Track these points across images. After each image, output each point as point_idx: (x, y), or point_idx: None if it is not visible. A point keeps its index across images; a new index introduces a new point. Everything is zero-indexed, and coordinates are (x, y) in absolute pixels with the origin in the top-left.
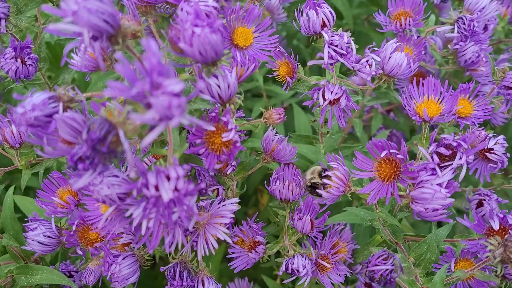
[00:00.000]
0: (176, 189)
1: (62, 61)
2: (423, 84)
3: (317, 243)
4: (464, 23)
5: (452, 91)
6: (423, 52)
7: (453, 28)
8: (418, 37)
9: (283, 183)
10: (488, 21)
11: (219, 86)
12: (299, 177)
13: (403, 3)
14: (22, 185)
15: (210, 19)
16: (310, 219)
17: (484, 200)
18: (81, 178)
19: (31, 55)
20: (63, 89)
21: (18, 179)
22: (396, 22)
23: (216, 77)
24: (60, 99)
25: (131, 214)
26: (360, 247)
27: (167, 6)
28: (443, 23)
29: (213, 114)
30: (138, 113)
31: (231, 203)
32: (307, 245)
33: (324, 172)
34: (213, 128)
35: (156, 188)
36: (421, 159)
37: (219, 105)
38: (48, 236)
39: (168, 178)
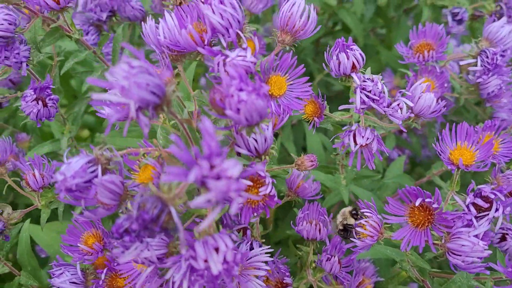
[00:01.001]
0: (225, 261)
1: (106, 131)
2: (455, 130)
3: (344, 284)
4: (487, 57)
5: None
6: (445, 85)
7: (476, 61)
8: (440, 70)
9: (310, 223)
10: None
11: (256, 141)
12: (325, 215)
13: (425, 34)
14: (42, 224)
15: (256, 83)
16: (338, 260)
17: (507, 234)
18: (127, 250)
19: (52, 96)
20: (100, 149)
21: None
22: (418, 55)
23: (254, 132)
24: (98, 161)
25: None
26: (384, 280)
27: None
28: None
29: (250, 168)
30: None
31: (264, 253)
32: (330, 279)
33: (355, 212)
34: (250, 183)
35: (205, 260)
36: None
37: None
38: (74, 283)
39: (217, 250)
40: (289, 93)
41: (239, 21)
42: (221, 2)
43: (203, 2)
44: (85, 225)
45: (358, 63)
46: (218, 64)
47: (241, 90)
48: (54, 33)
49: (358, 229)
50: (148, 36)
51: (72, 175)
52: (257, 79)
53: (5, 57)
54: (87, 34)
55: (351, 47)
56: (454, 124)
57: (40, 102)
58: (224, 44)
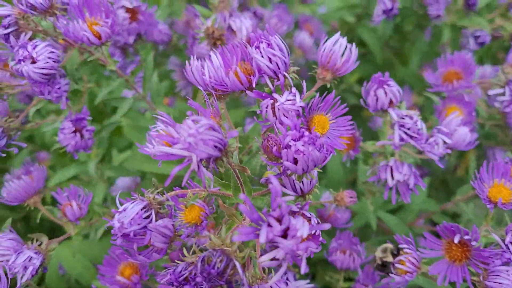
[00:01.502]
0: None
1: (166, 181)
2: (492, 167)
3: None
4: None
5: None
6: (473, 113)
7: (504, 91)
8: (468, 99)
9: (344, 253)
10: None
11: (302, 183)
12: (357, 245)
13: (453, 63)
14: (74, 253)
15: (312, 135)
16: None
17: None
18: None
19: (89, 128)
20: (151, 193)
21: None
22: (447, 84)
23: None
24: (151, 206)
25: None
26: None
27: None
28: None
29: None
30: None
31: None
32: None
33: (397, 252)
34: None
35: None
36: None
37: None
38: None
39: None
40: (332, 132)
41: (285, 63)
42: (270, 46)
43: (248, 43)
44: (122, 256)
45: (395, 99)
46: (266, 107)
47: (297, 140)
48: (88, 63)
49: (397, 265)
50: (191, 75)
51: (130, 222)
52: (315, 134)
53: (48, 92)
54: (113, 56)
55: (388, 83)
56: (489, 161)
57: (77, 134)
58: (270, 86)
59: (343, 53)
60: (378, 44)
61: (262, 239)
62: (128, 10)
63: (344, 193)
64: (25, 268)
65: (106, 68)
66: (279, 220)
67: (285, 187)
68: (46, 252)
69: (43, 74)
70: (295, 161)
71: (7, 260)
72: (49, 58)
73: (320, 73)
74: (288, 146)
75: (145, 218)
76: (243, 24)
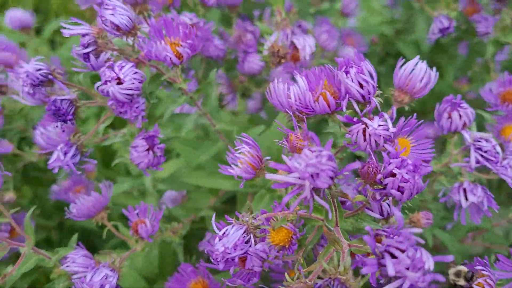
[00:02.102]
0: None
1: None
2: None
3: None
4: None
5: None
6: None
7: None
8: None
9: None
10: None
11: (389, 205)
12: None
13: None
14: (138, 269)
15: (415, 163)
16: None
17: None
18: None
19: (160, 145)
20: (247, 216)
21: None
22: (507, 104)
23: None
24: (250, 230)
25: None
26: None
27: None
28: None
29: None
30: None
31: None
32: None
33: (471, 277)
34: None
35: None
36: None
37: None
38: None
39: None
40: (413, 156)
41: (374, 88)
42: (360, 71)
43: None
44: (192, 274)
45: (469, 121)
46: (357, 132)
47: (400, 168)
48: (156, 80)
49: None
50: (275, 97)
51: (233, 247)
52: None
53: (125, 111)
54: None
55: (461, 105)
56: None
57: (151, 152)
58: (357, 110)
59: (422, 78)
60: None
61: (391, 272)
62: None
63: (420, 214)
64: (102, 286)
65: (173, 85)
66: (402, 250)
67: (371, 210)
68: (119, 269)
69: (127, 94)
70: (399, 188)
71: (84, 277)
72: (135, 79)
73: (398, 96)
74: (392, 174)
75: (245, 242)
76: (306, 42)
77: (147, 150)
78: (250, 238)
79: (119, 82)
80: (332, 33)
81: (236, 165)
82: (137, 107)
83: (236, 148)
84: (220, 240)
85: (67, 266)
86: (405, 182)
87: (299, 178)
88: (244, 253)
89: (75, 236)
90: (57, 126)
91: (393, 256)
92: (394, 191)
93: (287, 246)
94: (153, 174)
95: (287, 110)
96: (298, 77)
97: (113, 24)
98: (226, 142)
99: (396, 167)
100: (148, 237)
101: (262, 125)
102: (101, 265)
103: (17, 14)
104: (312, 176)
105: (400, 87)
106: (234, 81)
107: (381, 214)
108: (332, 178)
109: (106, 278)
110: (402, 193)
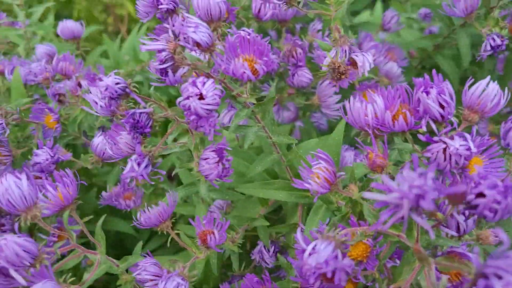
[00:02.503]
0: None
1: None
2: None
3: None
4: None
5: None
6: None
7: None
8: None
9: None
10: None
11: (466, 224)
12: None
13: None
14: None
15: (507, 185)
16: None
17: None
18: None
19: (229, 158)
20: (333, 232)
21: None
22: None
23: None
24: (336, 245)
25: None
26: None
27: None
28: None
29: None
30: None
31: None
32: None
33: None
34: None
35: None
36: None
37: None
38: None
39: None
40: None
41: (453, 108)
42: (441, 92)
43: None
44: (257, 285)
45: None
46: (437, 152)
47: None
48: (225, 97)
49: None
50: (350, 115)
51: (326, 262)
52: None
53: (202, 125)
54: None
55: None
56: None
57: (220, 164)
58: (435, 130)
59: (494, 98)
60: (456, 72)
61: None
62: None
63: (488, 231)
64: None
65: (237, 99)
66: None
67: (447, 227)
68: (188, 277)
69: (207, 109)
70: (491, 210)
71: (155, 285)
72: (216, 94)
73: (468, 115)
74: (482, 195)
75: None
76: (365, 59)
77: (217, 162)
78: (338, 253)
79: (201, 97)
80: (379, 48)
81: (312, 180)
82: (212, 121)
83: (313, 163)
84: (310, 255)
85: (139, 274)
86: (497, 203)
87: (399, 198)
88: (334, 268)
89: (139, 244)
90: (135, 138)
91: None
92: (487, 212)
93: (364, 261)
94: (206, 183)
95: (365, 128)
96: (376, 96)
97: (194, 41)
98: (280, 155)
99: (488, 188)
100: (215, 246)
101: (316, 138)
102: (173, 273)
103: (68, 25)
104: (416, 197)
105: (470, 106)
106: (282, 94)
107: (458, 231)
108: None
109: (178, 287)
110: (495, 214)
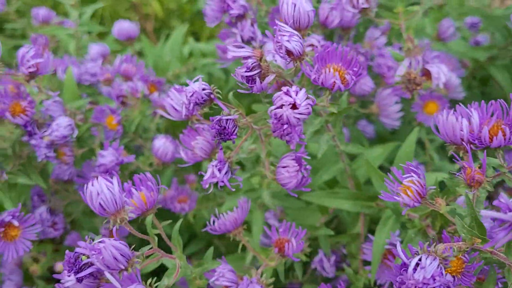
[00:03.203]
0: None
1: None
2: None
3: None
4: None
5: None
6: None
7: None
8: None
9: None
10: None
11: None
12: None
13: None
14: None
15: None
16: None
17: None
18: None
19: (308, 166)
20: (435, 247)
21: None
22: None
23: None
24: (440, 261)
25: None
26: None
27: None
28: None
29: None
30: None
31: None
32: None
33: None
34: None
35: None
36: None
37: None
38: None
39: None
40: None
41: None
42: None
43: None
44: None
45: None
46: None
47: None
48: None
49: None
50: (442, 128)
51: (432, 278)
52: None
53: (289, 133)
54: None
55: None
56: None
57: (299, 172)
58: None
59: None
60: (511, 83)
61: None
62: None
63: None
64: None
65: (313, 108)
66: None
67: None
68: (265, 285)
69: (298, 118)
70: None
71: None
72: (308, 104)
73: None
74: None
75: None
76: (441, 70)
77: (297, 170)
78: (442, 269)
79: (294, 106)
80: (442, 58)
81: (404, 193)
82: (298, 129)
83: (404, 175)
84: (416, 271)
85: (217, 280)
86: None
87: None
88: (440, 284)
89: (210, 249)
90: (218, 144)
91: None
92: None
93: (458, 277)
94: (269, 190)
95: (458, 142)
96: (473, 111)
97: (286, 49)
98: (346, 164)
99: None
100: (292, 255)
101: (379, 148)
102: (252, 280)
103: (124, 26)
104: None
105: None
106: None
107: None
108: None
109: None
110: None
